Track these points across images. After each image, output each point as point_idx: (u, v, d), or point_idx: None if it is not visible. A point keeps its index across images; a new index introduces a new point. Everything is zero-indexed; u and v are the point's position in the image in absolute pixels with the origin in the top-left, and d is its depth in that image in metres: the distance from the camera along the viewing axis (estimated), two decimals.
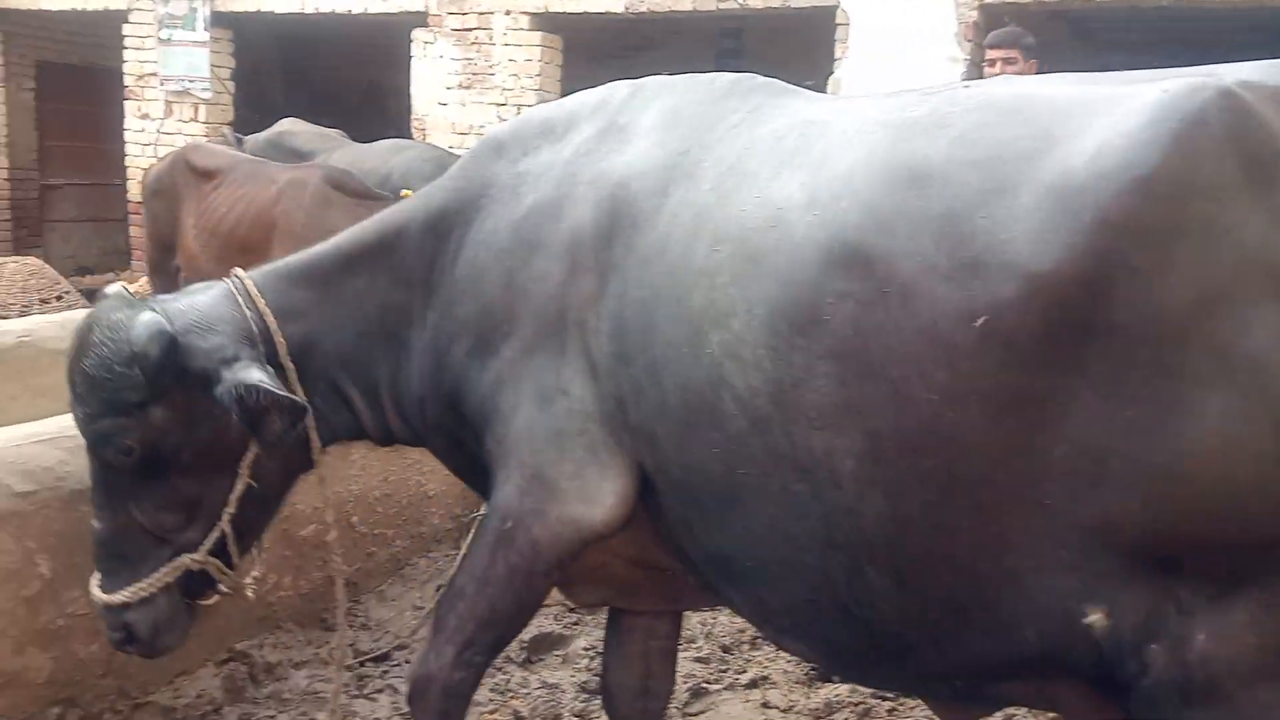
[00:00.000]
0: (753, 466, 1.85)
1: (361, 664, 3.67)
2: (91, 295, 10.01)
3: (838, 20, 7.78)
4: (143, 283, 11.02)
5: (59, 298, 10.06)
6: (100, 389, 2.15)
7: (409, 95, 9.42)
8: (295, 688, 3.48)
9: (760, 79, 2.28)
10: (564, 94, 9.02)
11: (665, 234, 1.99)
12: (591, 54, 10.05)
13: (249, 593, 2.45)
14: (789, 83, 2.28)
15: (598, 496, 2.05)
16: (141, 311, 2.19)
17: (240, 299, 2.30)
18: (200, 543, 2.27)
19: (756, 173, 1.94)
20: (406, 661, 3.69)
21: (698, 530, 2.03)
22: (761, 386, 1.81)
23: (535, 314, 2.11)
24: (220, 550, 2.31)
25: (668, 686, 2.71)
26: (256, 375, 2.12)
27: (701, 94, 2.21)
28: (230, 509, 2.25)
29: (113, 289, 2.42)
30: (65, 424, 3.03)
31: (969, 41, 7.36)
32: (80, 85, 13.55)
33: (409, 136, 9.08)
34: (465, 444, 2.34)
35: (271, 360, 2.24)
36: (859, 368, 1.71)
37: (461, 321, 2.23)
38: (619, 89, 2.33)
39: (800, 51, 9.39)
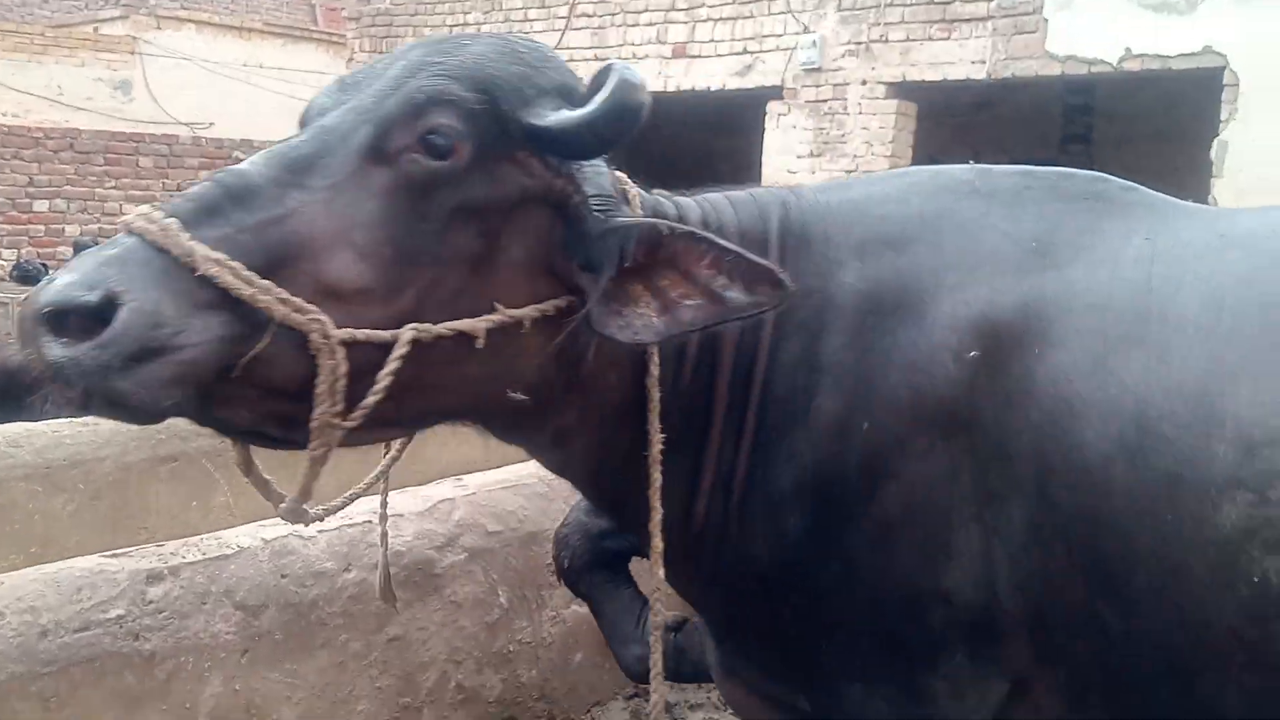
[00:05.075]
0: None
1: None
2: None
3: (1225, 81, 7.34)
4: None
5: None
6: None
7: (753, 162, 9.87)
8: None
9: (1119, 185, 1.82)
10: (915, 158, 9.07)
11: None
12: (932, 114, 9.99)
13: None
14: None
15: None
16: None
17: None
18: None
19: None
20: None
21: None
22: None
23: None
24: None
25: None
26: None
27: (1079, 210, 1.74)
28: None
29: None
30: (523, 472, 3.48)
31: None
32: None
33: None
34: None
35: None
36: None
37: None
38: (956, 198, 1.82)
39: (1158, 108, 8.85)
